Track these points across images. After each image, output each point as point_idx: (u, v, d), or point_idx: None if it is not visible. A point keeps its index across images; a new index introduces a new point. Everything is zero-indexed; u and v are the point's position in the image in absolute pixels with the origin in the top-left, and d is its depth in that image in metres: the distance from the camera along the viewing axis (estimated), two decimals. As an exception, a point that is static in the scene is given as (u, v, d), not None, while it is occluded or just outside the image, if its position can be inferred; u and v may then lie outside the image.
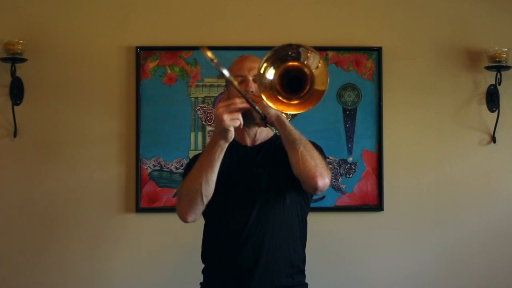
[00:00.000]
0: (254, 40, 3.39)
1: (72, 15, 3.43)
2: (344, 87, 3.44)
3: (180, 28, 3.45)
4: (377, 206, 3.42)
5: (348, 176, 3.42)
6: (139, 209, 3.38)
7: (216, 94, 3.40)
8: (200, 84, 3.42)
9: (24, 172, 3.39)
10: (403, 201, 3.44)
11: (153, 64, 3.42)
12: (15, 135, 3.37)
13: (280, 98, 2.17)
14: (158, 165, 3.40)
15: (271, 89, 2.16)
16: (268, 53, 2.16)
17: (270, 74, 2.16)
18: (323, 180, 2.21)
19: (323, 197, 3.40)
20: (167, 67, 3.43)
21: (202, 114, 3.41)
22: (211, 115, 3.40)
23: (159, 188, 3.39)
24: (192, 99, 3.42)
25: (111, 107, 3.42)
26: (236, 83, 2.18)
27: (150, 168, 3.40)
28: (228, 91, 2.44)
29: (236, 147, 2.35)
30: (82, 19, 3.43)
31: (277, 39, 3.36)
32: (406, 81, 3.46)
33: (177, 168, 3.38)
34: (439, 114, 3.46)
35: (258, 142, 2.42)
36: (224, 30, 3.45)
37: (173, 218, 2.39)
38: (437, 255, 3.44)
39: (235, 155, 2.37)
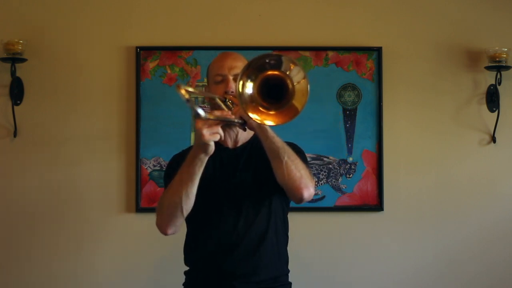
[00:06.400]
0: (254, 40, 3.39)
1: (72, 15, 3.43)
2: (344, 87, 3.44)
3: (180, 28, 3.45)
4: (377, 206, 3.42)
5: (348, 176, 3.42)
6: (139, 209, 3.38)
7: (216, 94, 3.39)
8: (200, 84, 3.42)
9: (24, 172, 3.39)
10: (403, 201, 3.44)
11: (153, 64, 3.42)
12: (15, 135, 3.37)
13: (261, 108, 2.08)
14: (158, 165, 3.40)
15: (253, 101, 2.07)
16: (242, 69, 2.07)
17: (249, 88, 2.07)
18: (308, 191, 2.21)
19: (323, 197, 3.40)
20: (167, 67, 3.43)
21: (202, 114, 3.41)
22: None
23: (159, 188, 3.39)
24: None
25: (111, 107, 3.42)
26: (209, 115, 2.11)
27: (150, 168, 3.40)
28: (209, 89, 2.39)
29: (217, 149, 2.21)
30: (82, 19, 3.43)
31: (277, 39, 3.44)
32: (406, 81, 3.46)
33: (177, 168, 3.38)
34: (439, 114, 3.46)
35: (239, 143, 2.37)
36: (224, 30, 3.45)
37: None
38: (437, 255, 3.44)
39: (217, 159, 2.29)
